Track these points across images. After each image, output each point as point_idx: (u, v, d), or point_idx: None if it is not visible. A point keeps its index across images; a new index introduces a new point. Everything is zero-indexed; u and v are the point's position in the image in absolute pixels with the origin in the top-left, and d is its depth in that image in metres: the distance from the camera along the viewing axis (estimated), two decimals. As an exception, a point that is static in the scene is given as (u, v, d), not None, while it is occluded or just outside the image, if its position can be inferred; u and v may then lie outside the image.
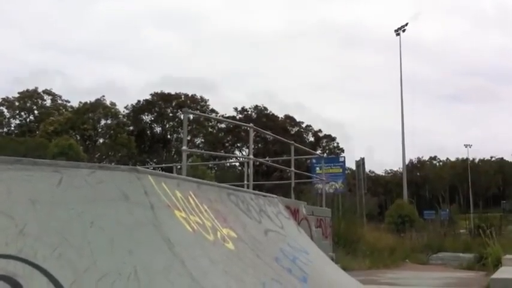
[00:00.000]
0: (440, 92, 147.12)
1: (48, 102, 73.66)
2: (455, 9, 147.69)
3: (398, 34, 52.53)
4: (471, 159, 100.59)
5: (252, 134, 10.45)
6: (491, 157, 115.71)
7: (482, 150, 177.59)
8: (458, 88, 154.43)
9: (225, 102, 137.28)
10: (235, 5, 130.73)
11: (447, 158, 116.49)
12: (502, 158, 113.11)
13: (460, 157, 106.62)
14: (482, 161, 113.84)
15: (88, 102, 68.73)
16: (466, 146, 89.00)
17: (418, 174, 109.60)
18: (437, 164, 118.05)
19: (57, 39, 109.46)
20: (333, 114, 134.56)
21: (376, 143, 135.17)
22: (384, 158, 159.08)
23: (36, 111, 73.05)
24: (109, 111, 69.44)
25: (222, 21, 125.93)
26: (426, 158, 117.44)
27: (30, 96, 71.57)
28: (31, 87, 72.16)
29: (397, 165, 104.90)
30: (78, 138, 65.96)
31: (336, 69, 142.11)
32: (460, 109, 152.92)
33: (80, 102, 69.62)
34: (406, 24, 53.16)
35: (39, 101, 73.07)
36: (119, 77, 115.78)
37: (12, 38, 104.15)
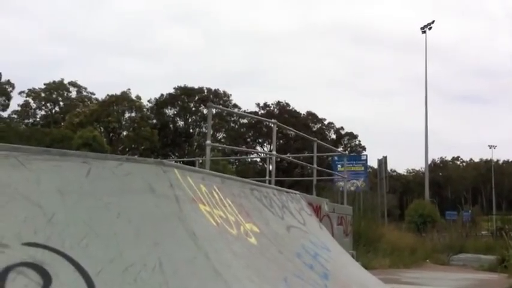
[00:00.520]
0: (462, 92, 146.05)
1: (73, 93, 74.53)
2: (469, 11, 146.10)
3: (424, 32, 51.87)
4: (495, 160, 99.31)
5: (275, 130, 10.46)
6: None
7: (507, 151, 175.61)
8: (482, 89, 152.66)
9: (248, 97, 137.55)
10: (250, 4, 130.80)
11: (471, 159, 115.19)
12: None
13: (484, 158, 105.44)
14: (506, 162, 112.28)
15: (114, 94, 69.37)
16: (490, 147, 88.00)
17: (440, 174, 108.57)
18: (461, 164, 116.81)
19: (78, 32, 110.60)
20: (351, 112, 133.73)
21: (398, 142, 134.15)
22: (406, 157, 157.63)
23: (61, 103, 73.92)
24: (133, 104, 70.00)
25: (237, 16, 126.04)
26: (449, 158, 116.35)
27: (56, 88, 72.45)
28: (57, 79, 73.06)
29: (419, 165, 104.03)
30: (102, 130, 66.65)
31: (348, 66, 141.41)
32: (484, 110, 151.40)
33: (107, 94, 70.33)
34: (433, 22, 52.40)
35: (65, 93, 73.90)
36: (141, 71, 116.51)
37: (33, 30, 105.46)
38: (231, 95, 79.75)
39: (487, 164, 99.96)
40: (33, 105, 73.39)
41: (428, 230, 29.59)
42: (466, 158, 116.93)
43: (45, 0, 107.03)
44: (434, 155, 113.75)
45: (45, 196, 3.24)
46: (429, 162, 64.43)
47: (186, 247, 3.37)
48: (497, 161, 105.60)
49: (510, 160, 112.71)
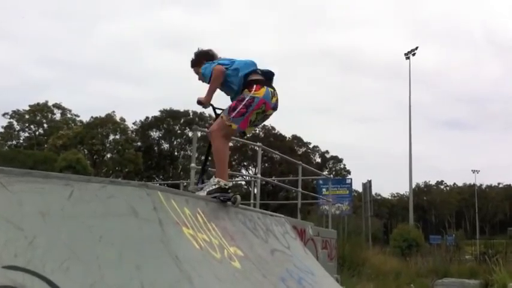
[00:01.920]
0: (445, 118, 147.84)
1: (58, 116, 74.09)
2: (453, 38, 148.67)
3: (408, 58, 52.42)
4: (478, 185, 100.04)
5: (260, 153, 10.47)
6: (499, 183, 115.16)
7: (490, 176, 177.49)
8: (466, 114, 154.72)
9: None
10: (236, 29, 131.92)
11: (454, 183, 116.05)
12: (510, 185, 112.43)
13: (468, 182, 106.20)
14: (489, 187, 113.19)
15: (98, 117, 69.10)
16: (473, 171, 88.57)
17: (424, 198, 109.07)
18: (444, 188, 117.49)
19: (64, 56, 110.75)
20: (336, 137, 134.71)
21: (382, 166, 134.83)
22: (390, 182, 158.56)
23: (45, 125, 73.44)
24: (118, 126, 69.76)
25: (226, 43, 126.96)
26: (433, 182, 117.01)
27: (40, 110, 71.97)
28: (41, 101, 72.66)
29: (403, 189, 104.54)
30: (86, 152, 66.22)
31: (334, 93, 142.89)
32: (467, 135, 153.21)
33: (92, 116, 70.04)
34: (416, 48, 52.96)
35: (49, 115, 73.47)
36: (127, 94, 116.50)
37: (19, 54, 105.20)
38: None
39: (470, 188, 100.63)
40: (17, 127, 72.81)
41: (413, 254, 29.58)
42: (450, 183, 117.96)
43: (32, 25, 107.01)
44: (419, 179, 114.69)
45: (27, 218, 3.20)
46: (413, 186, 64.76)
47: (169, 271, 3.34)
48: (481, 185, 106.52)
49: (493, 185, 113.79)
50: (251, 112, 5.47)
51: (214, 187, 5.37)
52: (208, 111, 5.95)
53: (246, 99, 5.45)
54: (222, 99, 5.80)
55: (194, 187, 5.77)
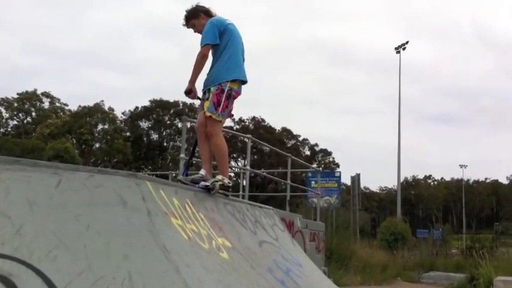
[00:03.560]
0: (434, 112, 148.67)
1: (46, 104, 73.63)
2: (443, 33, 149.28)
3: (398, 52, 52.42)
4: (466, 179, 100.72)
5: (249, 145, 10.48)
6: (486, 179, 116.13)
7: (478, 171, 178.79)
8: (454, 109, 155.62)
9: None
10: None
11: (442, 178, 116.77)
12: (497, 180, 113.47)
13: (455, 177, 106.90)
14: (476, 182, 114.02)
15: (87, 106, 68.74)
16: (461, 166, 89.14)
17: (412, 192, 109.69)
18: (432, 183, 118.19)
19: (53, 43, 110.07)
20: (326, 130, 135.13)
21: (371, 160, 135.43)
22: (379, 175, 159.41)
23: (34, 113, 72.98)
24: (107, 116, 69.45)
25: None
26: (421, 176, 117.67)
27: (29, 98, 71.46)
28: (29, 89, 72.15)
29: (392, 183, 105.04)
30: (74, 142, 65.91)
31: (324, 85, 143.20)
32: (456, 130, 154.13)
33: (80, 106, 69.66)
34: (407, 43, 53.00)
35: (38, 103, 72.99)
36: (117, 84, 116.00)
37: (7, 41, 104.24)
38: (206, 109, 79.44)
39: (458, 183, 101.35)
40: (5, 114, 72.32)
41: (400, 248, 29.80)
42: (438, 177, 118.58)
43: (21, 11, 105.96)
44: (407, 173, 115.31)
45: (14, 207, 3.19)
46: (401, 180, 65.03)
47: (157, 261, 3.34)
48: (468, 180, 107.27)
49: (480, 180, 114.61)
50: (232, 102, 5.66)
51: (218, 184, 5.41)
52: (199, 101, 5.95)
53: (226, 90, 5.56)
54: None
55: (182, 177, 5.78)
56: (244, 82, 5.81)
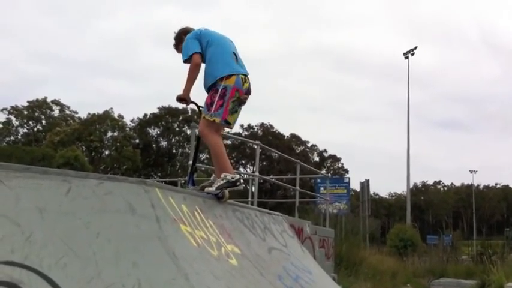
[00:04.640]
0: (444, 118, 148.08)
1: (56, 112, 74.00)
2: (451, 39, 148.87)
3: (407, 57, 52.41)
4: (476, 185, 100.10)
5: (258, 152, 10.48)
6: (496, 184, 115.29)
7: (488, 176, 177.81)
8: (464, 115, 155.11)
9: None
10: (231, 27, 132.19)
11: (452, 183, 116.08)
12: (507, 186, 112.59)
13: (465, 183, 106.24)
14: (487, 187, 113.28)
15: (96, 113, 69.02)
16: (471, 171, 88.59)
17: (422, 198, 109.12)
18: (442, 188, 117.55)
19: (62, 52, 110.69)
20: (335, 136, 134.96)
21: (380, 166, 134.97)
22: (388, 181, 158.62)
23: (44, 121, 73.35)
24: (116, 123, 69.69)
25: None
26: (431, 182, 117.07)
27: (39, 106, 71.87)
28: (39, 97, 72.54)
29: (401, 188, 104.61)
30: (84, 149, 66.15)
31: (333, 92, 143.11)
32: (465, 135, 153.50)
33: (89, 113, 69.96)
34: (415, 48, 52.96)
35: (48, 111, 73.36)
36: (126, 91, 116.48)
37: (16, 50, 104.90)
38: (215, 116, 79.51)
39: (468, 188, 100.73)
40: (16, 123, 72.71)
41: (410, 254, 29.62)
42: (448, 183, 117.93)
43: (29, 20, 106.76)
44: (416, 179, 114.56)
45: (24, 214, 3.19)
46: (411, 186, 64.79)
47: (166, 268, 3.34)
48: (478, 185, 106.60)
49: (490, 185, 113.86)
50: (228, 101, 5.61)
51: (222, 182, 5.43)
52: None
53: (220, 89, 5.59)
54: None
55: (192, 188, 5.80)
56: (245, 75, 5.81)
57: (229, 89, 5.60)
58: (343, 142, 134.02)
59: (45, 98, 72.38)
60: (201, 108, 5.88)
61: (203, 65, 5.78)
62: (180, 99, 5.83)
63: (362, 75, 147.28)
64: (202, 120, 5.69)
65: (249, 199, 12.27)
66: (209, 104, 5.61)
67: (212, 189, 5.41)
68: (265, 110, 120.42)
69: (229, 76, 5.63)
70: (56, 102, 72.96)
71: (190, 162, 7.64)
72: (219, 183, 5.44)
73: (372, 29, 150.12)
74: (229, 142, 79.90)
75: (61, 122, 70.08)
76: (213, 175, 5.75)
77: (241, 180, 5.70)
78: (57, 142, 60.49)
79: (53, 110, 73.71)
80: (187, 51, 5.74)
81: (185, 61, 5.79)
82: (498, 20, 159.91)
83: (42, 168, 3.63)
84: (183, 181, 14.62)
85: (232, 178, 5.50)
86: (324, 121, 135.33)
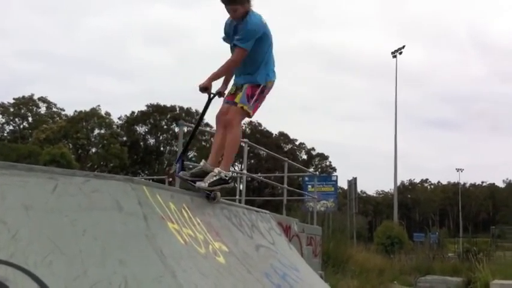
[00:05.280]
0: (431, 117, 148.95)
1: (43, 109, 73.51)
2: (439, 38, 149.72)
3: (395, 56, 52.68)
4: (462, 183, 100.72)
5: (246, 150, 10.47)
6: (482, 182, 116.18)
7: (474, 175, 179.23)
8: (451, 114, 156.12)
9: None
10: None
11: (438, 182, 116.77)
12: (493, 184, 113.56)
13: (452, 181, 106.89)
14: (473, 185, 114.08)
15: (83, 111, 68.64)
16: (457, 170, 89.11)
17: (409, 196, 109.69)
18: (429, 187, 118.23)
19: (50, 49, 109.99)
20: (323, 134, 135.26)
21: (368, 164, 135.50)
22: (375, 179, 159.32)
23: (30, 118, 72.83)
24: (103, 121, 69.35)
25: (213, 40, 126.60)
26: (418, 180, 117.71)
27: (25, 103, 71.35)
28: (26, 94, 72.01)
29: (388, 187, 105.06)
30: (71, 146, 65.78)
31: (321, 90, 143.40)
32: (452, 134, 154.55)
33: (76, 110, 69.55)
34: (403, 47, 53.33)
35: (34, 108, 72.85)
36: (113, 89, 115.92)
37: (4, 47, 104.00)
38: (203, 113, 79.38)
39: (454, 187, 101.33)
40: (2, 119, 72.20)
41: (396, 252, 29.78)
42: (434, 181, 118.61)
43: (17, 17, 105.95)
44: (404, 177, 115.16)
45: (10, 212, 3.18)
46: (398, 184, 65.08)
47: (153, 266, 3.33)
48: (464, 184, 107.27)
49: (477, 183, 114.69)
50: (261, 101, 5.65)
51: (215, 178, 5.34)
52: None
53: (261, 86, 5.58)
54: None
55: (182, 174, 5.70)
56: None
57: (268, 90, 5.66)
58: (334, 141, 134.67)
59: (32, 95, 72.00)
60: (214, 95, 5.67)
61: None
62: (203, 88, 5.52)
63: (353, 75, 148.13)
64: (236, 109, 5.52)
65: (237, 197, 12.27)
66: (249, 95, 5.51)
67: (204, 185, 5.28)
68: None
69: (272, 81, 5.71)
70: (42, 100, 72.50)
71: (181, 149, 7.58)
72: (211, 180, 5.31)
73: (363, 29, 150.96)
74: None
75: (48, 119, 69.64)
76: (204, 161, 5.65)
77: (230, 181, 5.61)
78: (44, 139, 60.10)
79: (39, 108, 73.25)
80: (248, 39, 5.37)
81: (235, 46, 5.45)
82: (486, 20, 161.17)
83: (28, 165, 3.61)
84: (170, 179, 14.54)
85: (226, 176, 5.41)
86: (313, 120, 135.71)
